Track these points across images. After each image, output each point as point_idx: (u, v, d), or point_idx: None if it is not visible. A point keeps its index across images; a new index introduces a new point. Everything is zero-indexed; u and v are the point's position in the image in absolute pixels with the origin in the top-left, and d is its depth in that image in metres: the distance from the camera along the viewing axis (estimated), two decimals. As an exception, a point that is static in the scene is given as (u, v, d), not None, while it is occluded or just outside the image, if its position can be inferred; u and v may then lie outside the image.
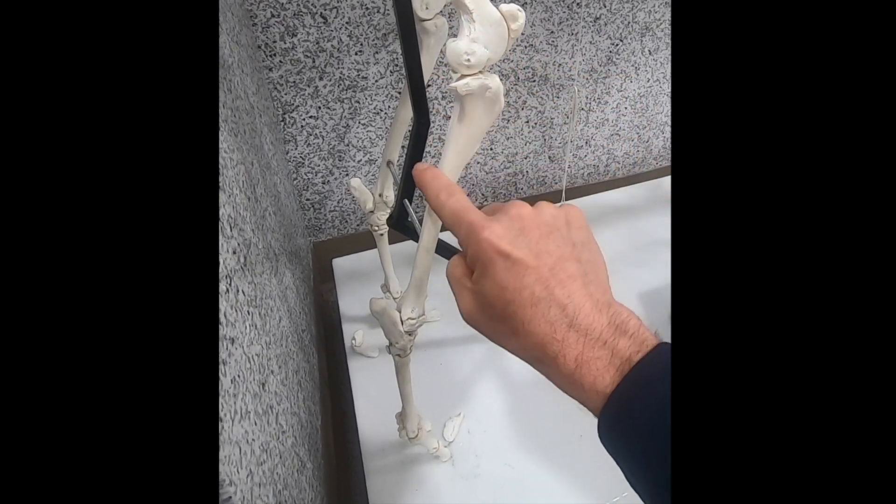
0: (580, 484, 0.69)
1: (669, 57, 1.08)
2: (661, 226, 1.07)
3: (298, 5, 0.78)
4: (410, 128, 0.50)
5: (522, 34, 0.76)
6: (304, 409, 0.63)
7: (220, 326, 0.35)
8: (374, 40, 0.85)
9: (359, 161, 0.97)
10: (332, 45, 0.83)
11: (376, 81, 0.89)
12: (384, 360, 0.81)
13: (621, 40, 1.03)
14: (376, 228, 0.72)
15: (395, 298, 0.81)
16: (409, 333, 0.53)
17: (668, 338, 0.26)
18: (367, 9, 0.82)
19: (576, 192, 1.19)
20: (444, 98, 0.95)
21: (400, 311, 0.52)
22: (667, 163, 1.28)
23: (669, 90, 1.13)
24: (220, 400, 0.33)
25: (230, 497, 0.32)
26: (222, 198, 0.41)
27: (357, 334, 0.85)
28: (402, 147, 0.61)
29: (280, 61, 0.82)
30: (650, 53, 1.08)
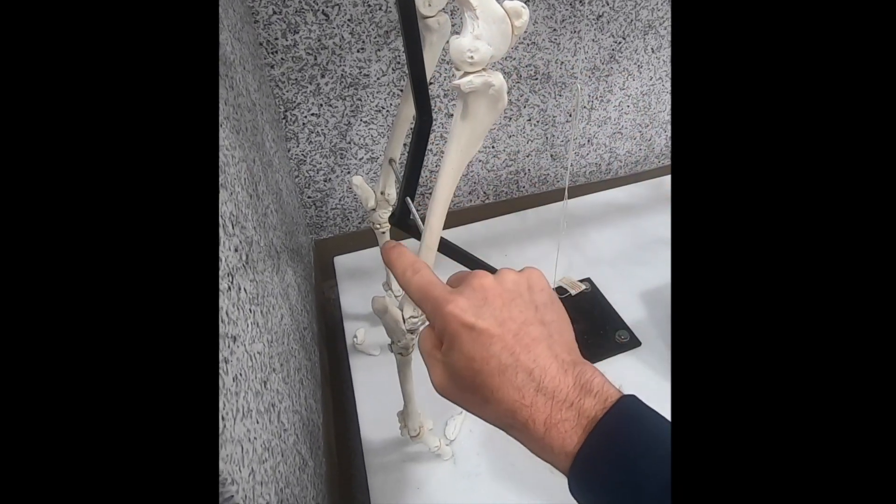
0: (582, 483, 0.68)
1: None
2: (663, 224, 1.06)
3: (300, 2, 0.78)
4: (412, 126, 0.50)
5: (525, 31, 0.75)
6: (305, 407, 0.63)
7: (222, 324, 0.35)
8: (376, 38, 0.85)
9: (361, 159, 0.97)
10: (334, 43, 0.83)
11: (378, 79, 0.89)
12: (386, 358, 0.81)
13: (624, 38, 1.02)
14: (378, 226, 0.72)
15: (396, 297, 0.81)
16: (411, 332, 0.52)
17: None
18: (370, 6, 0.82)
19: (578, 191, 1.19)
20: (445, 96, 0.94)
21: (402, 310, 0.51)
22: (669, 161, 1.28)
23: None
24: (223, 398, 0.33)
25: (232, 496, 0.32)
26: (224, 195, 0.41)
27: (359, 332, 0.85)
28: (405, 145, 0.61)
29: (282, 58, 0.82)
30: (653, 51, 1.07)
